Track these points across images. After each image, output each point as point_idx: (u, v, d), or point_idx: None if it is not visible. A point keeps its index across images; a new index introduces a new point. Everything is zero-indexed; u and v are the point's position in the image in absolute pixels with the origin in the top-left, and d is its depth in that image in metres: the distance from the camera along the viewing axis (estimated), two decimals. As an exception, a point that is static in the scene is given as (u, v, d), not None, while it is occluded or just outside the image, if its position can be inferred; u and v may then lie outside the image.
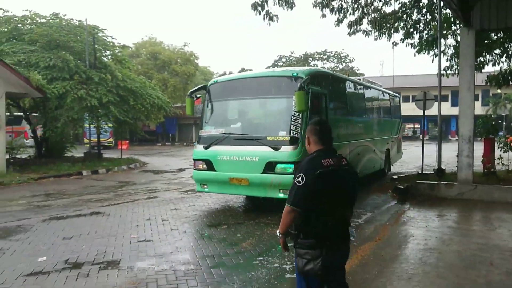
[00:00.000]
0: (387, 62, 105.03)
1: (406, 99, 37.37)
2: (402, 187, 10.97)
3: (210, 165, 8.43)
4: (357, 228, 7.53)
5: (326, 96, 8.97)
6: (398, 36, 15.16)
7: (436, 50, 13.31)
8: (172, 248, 6.26)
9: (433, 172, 12.38)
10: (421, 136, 33.46)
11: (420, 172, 12.96)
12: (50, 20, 18.25)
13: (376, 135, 12.93)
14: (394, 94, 16.33)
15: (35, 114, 19.13)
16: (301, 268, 2.98)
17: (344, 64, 57.15)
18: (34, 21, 18.29)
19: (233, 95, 8.96)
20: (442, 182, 10.58)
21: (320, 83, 8.87)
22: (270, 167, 7.75)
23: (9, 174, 13.96)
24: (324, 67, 61.91)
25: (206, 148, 8.50)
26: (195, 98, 9.29)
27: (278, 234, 3.11)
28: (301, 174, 2.90)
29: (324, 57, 57.51)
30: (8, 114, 16.90)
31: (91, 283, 4.91)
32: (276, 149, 7.71)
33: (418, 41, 14.79)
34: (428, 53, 15.00)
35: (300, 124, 7.78)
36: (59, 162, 16.79)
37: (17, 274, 5.15)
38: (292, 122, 7.84)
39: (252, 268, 5.40)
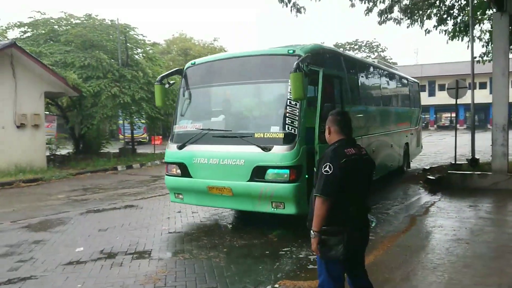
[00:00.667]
0: (422, 50, 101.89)
1: (441, 88, 36.35)
2: (434, 178, 10.80)
3: (184, 170, 6.70)
4: (385, 219, 7.51)
5: (332, 80, 7.21)
6: (431, 23, 14.82)
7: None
8: (200, 239, 6.48)
9: (466, 162, 12.06)
10: (458, 125, 32.40)
11: (453, 162, 12.66)
12: (84, 21, 18.90)
13: (394, 127, 11.17)
14: (413, 80, 14.64)
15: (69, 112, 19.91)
16: (323, 253, 3.07)
17: (376, 54, 56.11)
18: (69, 22, 19.00)
19: (214, 80, 7.13)
20: (475, 172, 10.32)
21: (324, 63, 6.94)
22: (259, 172, 6.02)
23: (49, 170, 14.64)
24: (355, 58, 61.06)
25: (180, 148, 6.76)
26: (167, 85, 7.40)
27: (312, 233, 3.06)
28: (328, 163, 3.00)
29: (356, 47, 56.68)
30: (48, 112, 17.72)
31: (124, 271, 5.17)
32: (266, 149, 5.95)
33: (452, 27, 14.39)
34: (462, 40, 14.59)
35: (297, 117, 6.02)
36: (96, 158, 17.44)
37: (56, 263, 5.48)
38: (287, 114, 6.05)
39: (278, 257, 5.54)
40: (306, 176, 5.94)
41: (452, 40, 14.49)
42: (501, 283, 4.42)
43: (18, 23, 18.52)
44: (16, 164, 13.69)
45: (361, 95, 8.98)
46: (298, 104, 6.02)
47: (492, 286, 4.36)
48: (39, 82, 14.71)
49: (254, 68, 6.82)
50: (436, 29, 14.42)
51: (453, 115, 53.58)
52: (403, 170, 12.38)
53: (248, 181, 6.08)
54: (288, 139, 5.96)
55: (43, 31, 18.46)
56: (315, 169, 3.37)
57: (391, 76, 11.57)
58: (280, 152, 5.89)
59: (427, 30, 14.50)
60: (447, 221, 7.09)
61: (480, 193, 9.36)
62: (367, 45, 56.17)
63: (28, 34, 18.69)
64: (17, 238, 6.73)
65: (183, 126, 7.10)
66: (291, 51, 6.30)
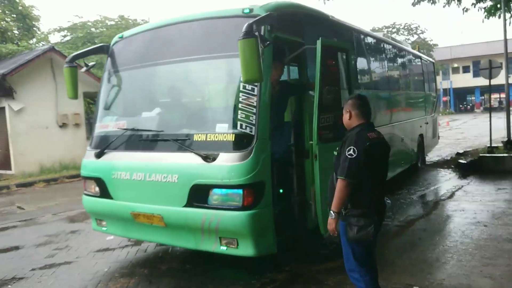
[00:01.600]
0: (467, 30, 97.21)
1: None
2: (465, 162, 10.55)
3: (103, 188, 4.73)
4: (409, 203, 7.51)
5: (310, 54, 4.77)
6: (468, 1, 14.23)
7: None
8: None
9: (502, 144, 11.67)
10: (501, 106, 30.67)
11: (489, 145, 12.27)
12: (118, 22, 19.72)
13: (405, 115, 9.00)
14: (428, 58, 12.64)
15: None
16: (353, 236, 3.09)
17: (416, 36, 54.32)
18: (104, 24, 19.88)
19: (145, 59, 4.97)
20: (508, 155, 9.99)
21: (299, 30, 4.83)
22: (199, 194, 4.02)
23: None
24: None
25: (98, 156, 4.79)
26: (84, 69, 5.42)
27: (331, 214, 3.09)
28: (352, 147, 3.04)
29: (393, 30, 55.03)
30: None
31: (149, 256, 5.58)
32: (208, 159, 3.93)
33: (491, 3, 13.75)
34: (499, 17, 13.95)
35: (255, 108, 3.95)
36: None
37: (88, 250, 5.97)
38: (240, 105, 4.01)
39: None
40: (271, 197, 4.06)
41: (488, 18, 13.92)
42: (510, 263, 4.42)
43: (58, 28, 19.60)
44: (60, 162, 14.62)
45: (359, 76, 6.95)
46: (256, 89, 3.94)
47: (501, 266, 4.37)
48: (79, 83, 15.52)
49: (195, 39, 4.61)
50: (474, 6, 13.74)
51: (502, 95, 51.17)
52: (417, 167, 10.46)
53: (184, 206, 4.08)
54: (240, 142, 3.93)
55: (81, 34, 19.44)
56: (335, 152, 3.30)
57: (400, 53, 9.39)
58: (228, 163, 3.85)
59: (465, 9, 13.88)
60: (470, 205, 7.01)
61: (511, 176, 9.09)
62: (406, 27, 54.41)
63: (68, 38, 19.76)
64: (56, 228, 7.32)
65: (105, 125, 5.06)
66: (247, 11, 4.17)
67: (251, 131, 3.90)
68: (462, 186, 8.62)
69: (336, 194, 3.07)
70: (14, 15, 30.48)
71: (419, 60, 11.22)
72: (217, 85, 4.71)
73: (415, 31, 54.52)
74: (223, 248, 4.06)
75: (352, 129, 3.25)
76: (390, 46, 8.80)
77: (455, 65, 52.43)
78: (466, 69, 52.11)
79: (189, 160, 4.03)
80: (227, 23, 4.36)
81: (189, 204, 4.05)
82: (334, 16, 5.85)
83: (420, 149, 10.47)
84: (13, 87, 13.64)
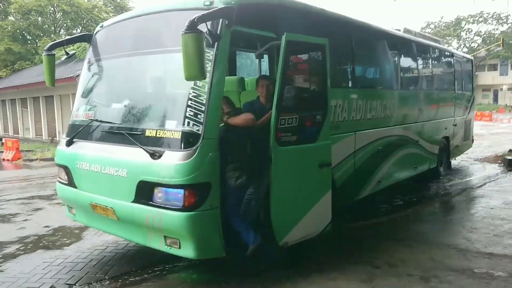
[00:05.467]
0: None
1: None
2: (511, 158, 11.15)
3: (70, 176, 4.83)
4: (438, 190, 8.45)
5: (299, 50, 4.63)
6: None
7: None
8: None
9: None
10: None
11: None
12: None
13: (421, 117, 8.18)
14: (463, 55, 11.73)
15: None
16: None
17: (506, 26, 51.18)
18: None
19: (117, 49, 5.05)
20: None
21: (270, 24, 4.55)
22: (144, 191, 4.02)
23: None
24: (480, 31, 55.98)
25: (68, 145, 4.87)
26: (64, 57, 5.42)
27: None
28: None
29: (480, 19, 52.25)
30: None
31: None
32: (155, 155, 3.89)
33: None
34: None
35: (204, 106, 3.85)
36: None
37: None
38: (189, 103, 3.92)
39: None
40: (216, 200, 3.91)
41: None
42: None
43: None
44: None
45: (360, 73, 6.69)
46: (206, 86, 3.85)
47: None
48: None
49: (156, 32, 4.65)
50: None
51: None
52: (438, 172, 9.37)
53: (132, 201, 4.08)
54: (186, 140, 3.85)
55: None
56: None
57: (417, 49, 8.49)
58: (171, 162, 3.81)
59: None
60: (490, 193, 7.79)
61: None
62: (494, 16, 51.36)
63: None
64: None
65: (80, 114, 5.09)
66: (207, 3, 4.03)
67: (198, 130, 3.78)
68: (497, 178, 9.27)
69: None
70: (112, 7, 34.39)
71: (450, 57, 10.30)
72: (172, 80, 4.45)
73: (505, 20, 51.35)
74: (167, 248, 4.04)
75: None
76: (405, 42, 8.05)
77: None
78: None
79: (137, 156, 3.97)
80: (187, 16, 3.74)
81: (136, 200, 4.02)
82: (325, 8, 5.43)
83: (444, 153, 9.59)
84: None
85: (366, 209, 6.61)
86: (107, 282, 4.38)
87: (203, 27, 3.60)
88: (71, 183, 4.75)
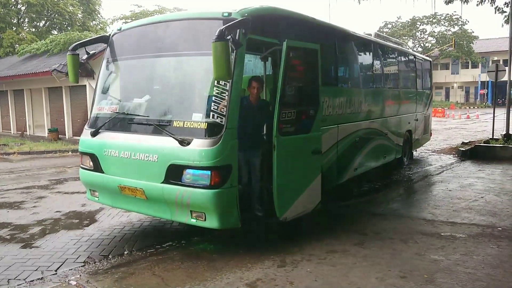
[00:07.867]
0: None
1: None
2: (464, 149, 12.58)
3: (96, 163, 5.48)
4: (403, 177, 9.71)
5: (298, 55, 5.39)
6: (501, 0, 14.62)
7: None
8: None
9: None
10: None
11: (491, 137, 14.13)
12: (173, 13, 22.29)
13: (389, 112, 9.32)
14: (423, 57, 13.06)
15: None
16: None
17: (456, 27, 54.36)
18: (162, 14, 22.56)
19: (138, 51, 5.73)
20: (497, 145, 11.92)
21: (282, 32, 5.39)
22: (175, 173, 4.72)
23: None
24: (434, 32, 59.13)
25: (93, 135, 5.52)
26: (84, 57, 6.34)
27: None
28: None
29: (434, 20, 55.19)
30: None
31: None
32: (184, 143, 4.62)
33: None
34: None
35: (226, 101, 4.60)
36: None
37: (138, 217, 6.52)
38: (213, 98, 4.66)
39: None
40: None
41: (507, 23, 15.11)
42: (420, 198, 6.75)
43: (122, 16, 22.43)
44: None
45: (342, 74, 7.58)
46: (228, 84, 4.58)
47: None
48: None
49: (178, 37, 5.32)
50: (507, 6, 14.20)
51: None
52: (402, 161, 10.57)
53: (162, 182, 4.78)
54: (211, 130, 4.58)
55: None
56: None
57: (387, 52, 9.73)
58: (199, 148, 4.54)
59: (497, 8, 14.33)
60: (448, 178, 8.95)
61: (496, 162, 10.89)
62: (447, 18, 54.47)
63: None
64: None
65: (102, 107, 5.77)
66: (226, 14, 4.74)
67: (221, 121, 4.55)
68: (452, 167, 10.59)
69: None
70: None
71: (412, 58, 11.44)
72: (196, 79, 5.19)
73: (456, 22, 54.53)
74: (193, 220, 4.76)
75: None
76: (376, 46, 9.00)
77: (495, 58, 52.31)
78: (506, 63, 51.88)
79: (168, 143, 4.70)
80: (208, 24, 4.94)
81: (166, 181, 4.73)
82: (314, 18, 6.41)
83: (407, 145, 10.76)
84: (94, 69, 16.58)
85: (344, 193, 7.59)
86: (137, 253, 5.07)
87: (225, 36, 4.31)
88: (97, 168, 5.39)
